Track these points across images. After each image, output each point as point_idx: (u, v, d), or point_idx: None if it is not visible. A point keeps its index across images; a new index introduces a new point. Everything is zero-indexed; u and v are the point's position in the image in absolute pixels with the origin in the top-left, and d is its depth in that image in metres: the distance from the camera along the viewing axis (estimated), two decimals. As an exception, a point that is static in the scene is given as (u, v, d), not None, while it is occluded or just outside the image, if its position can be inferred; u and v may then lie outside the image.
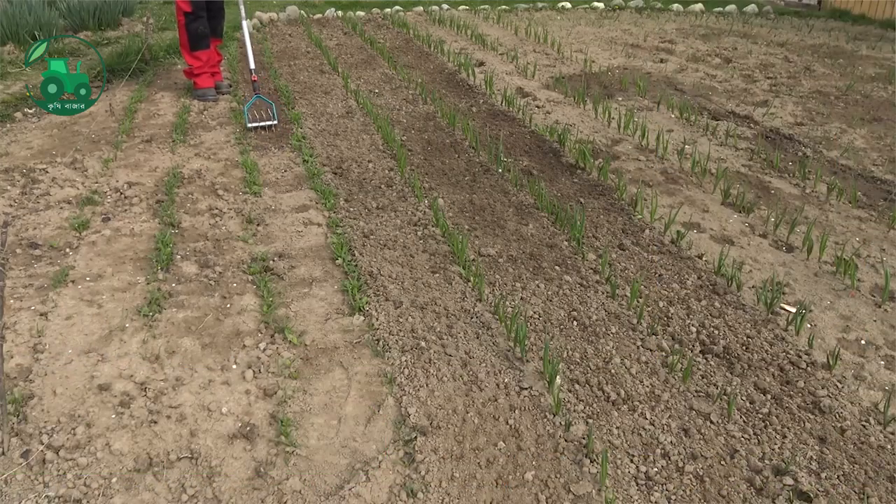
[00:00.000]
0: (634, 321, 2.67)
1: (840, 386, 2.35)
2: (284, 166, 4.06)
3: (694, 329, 2.63)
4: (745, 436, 2.13)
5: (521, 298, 2.80)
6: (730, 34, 7.86)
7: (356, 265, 2.99)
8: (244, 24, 5.00)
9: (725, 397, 2.27)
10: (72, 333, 2.51)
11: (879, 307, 2.80)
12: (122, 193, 3.62)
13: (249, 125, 4.53)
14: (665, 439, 2.10)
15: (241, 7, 5.02)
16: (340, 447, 2.06)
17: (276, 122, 4.60)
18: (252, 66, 4.85)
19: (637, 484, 1.96)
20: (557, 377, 2.29)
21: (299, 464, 1.99)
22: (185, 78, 5.54)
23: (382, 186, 3.82)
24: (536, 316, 2.69)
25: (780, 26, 8.39)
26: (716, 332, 2.61)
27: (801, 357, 2.47)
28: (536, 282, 2.91)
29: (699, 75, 6.12)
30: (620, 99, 5.41)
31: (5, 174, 3.76)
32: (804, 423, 2.18)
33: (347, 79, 5.73)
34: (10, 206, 3.42)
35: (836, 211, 3.61)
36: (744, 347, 2.53)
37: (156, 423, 2.12)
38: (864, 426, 2.18)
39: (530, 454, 2.04)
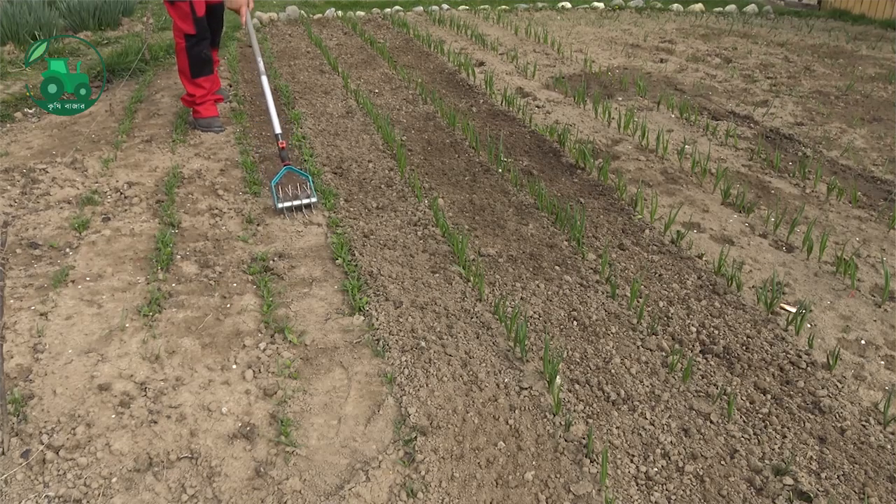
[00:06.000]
0: (634, 321, 2.67)
1: (840, 386, 2.35)
2: (284, 166, 4.06)
3: (694, 329, 2.63)
4: (745, 436, 2.13)
5: (521, 298, 2.80)
6: (730, 34, 7.86)
7: (356, 265, 2.99)
8: (263, 79, 3.95)
9: (725, 397, 2.27)
10: (72, 333, 2.51)
11: (879, 307, 2.80)
12: (122, 193, 3.62)
13: (279, 206, 3.41)
14: (665, 439, 2.10)
15: (259, 61, 4.06)
16: (340, 447, 2.06)
17: (314, 199, 3.49)
18: (277, 130, 3.75)
19: (637, 484, 1.96)
20: (557, 377, 2.29)
21: (299, 464, 1.99)
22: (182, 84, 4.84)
23: (382, 186, 3.82)
24: (536, 316, 2.69)
25: (780, 26, 8.39)
26: (716, 332, 2.61)
27: (801, 357, 2.47)
28: (536, 282, 2.91)
29: (699, 75, 6.12)
30: (620, 99, 5.41)
31: (5, 174, 3.76)
32: (804, 423, 2.18)
33: (347, 79, 5.73)
34: (10, 206, 3.42)
35: (836, 211, 3.61)
36: (744, 347, 2.53)
37: (156, 423, 2.12)
38: (864, 426, 2.18)
39: (530, 454, 2.04)
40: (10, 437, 2.03)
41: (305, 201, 3.46)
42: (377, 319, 2.62)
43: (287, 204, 3.44)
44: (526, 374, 2.37)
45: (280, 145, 3.72)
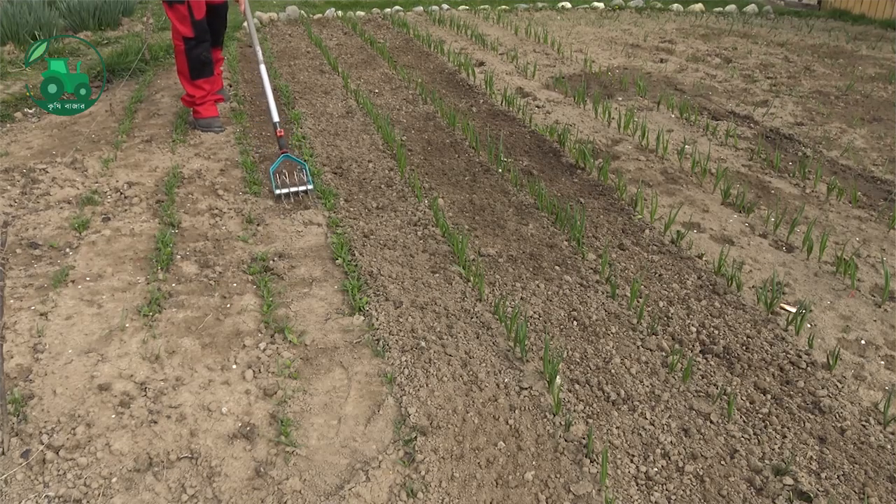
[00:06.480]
0: (634, 321, 2.67)
1: (840, 386, 2.35)
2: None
3: (694, 329, 2.63)
4: (745, 436, 2.13)
5: (521, 298, 2.80)
6: (730, 34, 7.86)
7: (356, 265, 2.99)
8: (262, 68, 4.13)
9: (725, 397, 2.27)
10: (72, 333, 2.51)
11: (879, 307, 2.80)
12: (122, 193, 3.62)
13: (277, 192, 3.61)
14: (665, 439, 2.10)
15: (257, 49, 4.19)
16: (340, 447, 2.06)
17: (311, 186, 3.69)
18: (275, 118, 3.95)
19: (637, 484, 1.96)
20: (557, 377, 2.29)
21: (299, 464, 1.99)
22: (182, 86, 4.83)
23: (382, 186, 3.82)
24: (536, 316, 2.69)
25: (780, 26, 8.39)
26: (716, 332, 2.61)
27: (801, 357, 2.47)
28: (536, 282, 2.91)
29: (699, 75, 6.12)
30: (620, 99, 5.41)
31: (5, 174, 3.76)
32: (804, 423, 2.18)
33: (347, 79, 5.73)
34: (10, 206, 3.42)
35: (836, 211, 3.61)
36: (744, 347, 2.53)
37: (156, 423, 2.12)
38: (864, 426, 2.18)
39: (530, 454, 2.04)
40: (10, 437, 2.03)
41: (302, 188, 3.67)
42: (377, 319, 2.62)
43: (285, 190, 3.63)
44: (526, 374, 2.37)
45: (278, 133, 3.90)
